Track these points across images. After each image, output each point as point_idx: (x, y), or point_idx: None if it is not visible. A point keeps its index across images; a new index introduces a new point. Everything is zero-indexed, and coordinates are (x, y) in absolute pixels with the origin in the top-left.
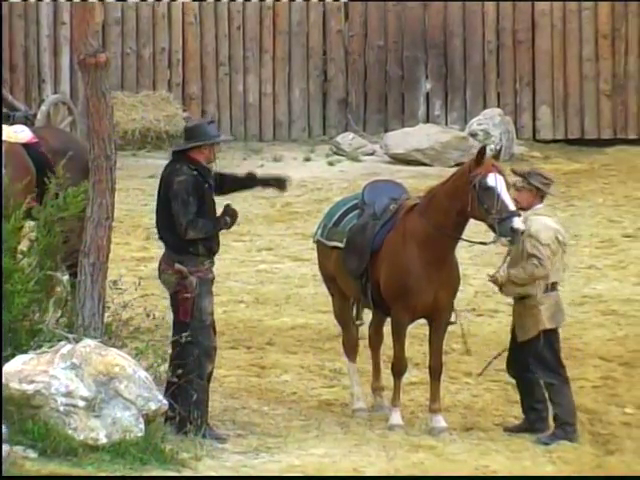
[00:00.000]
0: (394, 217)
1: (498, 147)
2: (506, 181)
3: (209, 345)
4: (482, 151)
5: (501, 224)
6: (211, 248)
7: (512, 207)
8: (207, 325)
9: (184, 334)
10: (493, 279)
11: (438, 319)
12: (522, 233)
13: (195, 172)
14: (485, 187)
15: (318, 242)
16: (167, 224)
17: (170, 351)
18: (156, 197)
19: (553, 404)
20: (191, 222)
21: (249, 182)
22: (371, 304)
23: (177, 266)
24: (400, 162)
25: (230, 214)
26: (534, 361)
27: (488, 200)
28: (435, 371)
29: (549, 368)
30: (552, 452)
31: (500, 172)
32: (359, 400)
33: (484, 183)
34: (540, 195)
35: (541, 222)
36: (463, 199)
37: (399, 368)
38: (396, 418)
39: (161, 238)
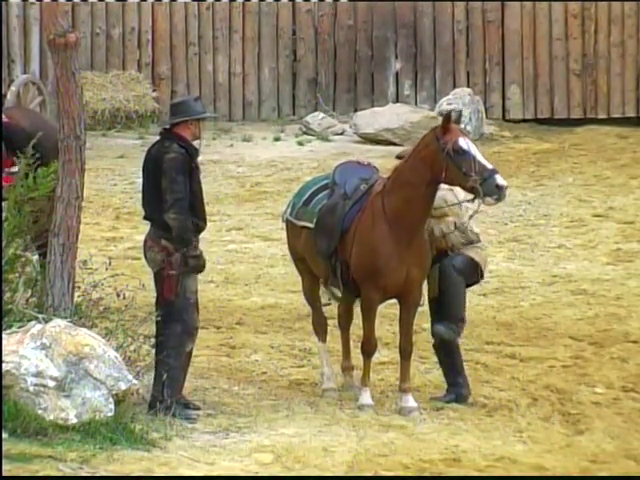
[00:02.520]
0: (364, 197)
1: (457, 111)
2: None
3: (192, 324)
4: (448, 117)
5: (485, 184)
6: (197, 225)
7: (490, 166)
8: (191, 303)
9: (161, 312)
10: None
11: (409, 298)
12: (506, 188)
13: (184, 150)
14: (460, 151)
15: (287, 221)
16: (156, 202)
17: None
18: (142, 175)
19: (442, 363)
20: (178, 201)
21: None
22: (340, 284)
23: (163, 242)
24: (370, 142)
25: (198, 257)
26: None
27: (465, 163)
28: (405, 351)
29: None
30: (522, 432)
31: (466, 135)
32: (329, 380)
33: (458, 147)
34: None
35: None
36: (434, 168)
37: (369, 348)
38: (366, 398)
39: (148, 216)
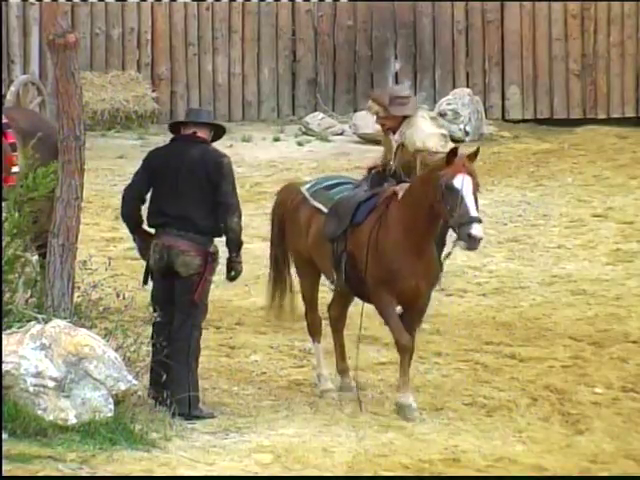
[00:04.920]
0: (380, 195)
1: (475, 148)
2: (475, 183)
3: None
4: (454, 152)
5: (460, 229)
6: None
7: (474, 212)
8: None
9: (182, 316)
10: None
11: (414, 307)
12: (480, 241)
13: None
14: (450, 188)
15: (302, 196)
16: (201, 205)
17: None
18: (174, 176)
19: None
20: (239, 205)
21: None
22: (342, 276)
23: (212, 248)
24: (369, 142)
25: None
26: None
27: (452, 202)
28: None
29: None
30: (522, 432)
31: (470, 174)
32: (327, 381)
33: (450, 184)
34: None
35: (422, 130)
36: (429, 196)
37: (404, 346)
38: (408, 398)
39: (181, 219)
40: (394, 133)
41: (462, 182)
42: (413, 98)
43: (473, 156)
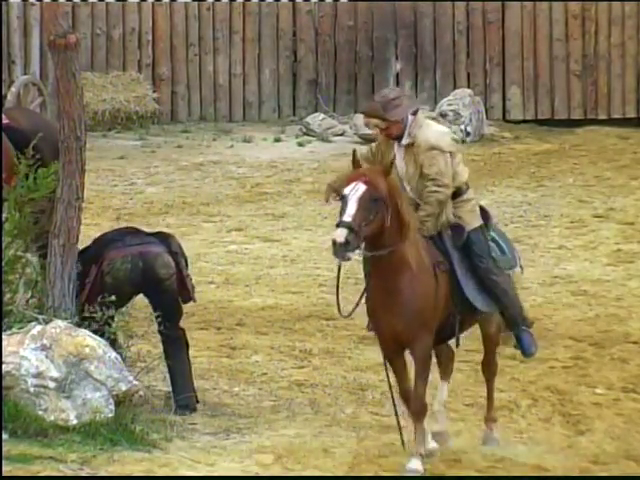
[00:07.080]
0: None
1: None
2: (369, 192)
3: None
4: (353, 158)
5: None
6: None
7: (343, 217)
8: None
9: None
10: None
11: (410, 350)
12: (339, 245)
13: None
14: (341, 197)
15: None
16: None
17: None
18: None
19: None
20: None
21: None
22: None
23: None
24: (370, 142)
25: None
26: None
27: (341, 210)
28: (413, 410)
29: None
30: (523, 432)
31: (368, 183)
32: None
33: (341, 193)
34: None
35: (434, 129)
36: None
37: (411, 407)
38: (415, 464)
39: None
40: (399, 139)
41: (350, 190)
42: (404, 96)
43: (386, 170)
